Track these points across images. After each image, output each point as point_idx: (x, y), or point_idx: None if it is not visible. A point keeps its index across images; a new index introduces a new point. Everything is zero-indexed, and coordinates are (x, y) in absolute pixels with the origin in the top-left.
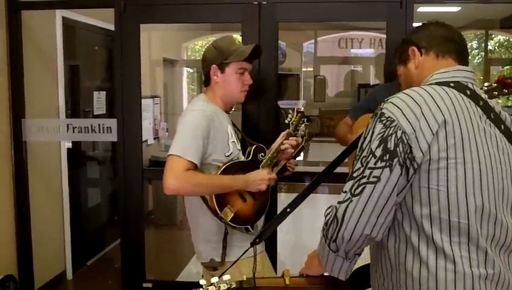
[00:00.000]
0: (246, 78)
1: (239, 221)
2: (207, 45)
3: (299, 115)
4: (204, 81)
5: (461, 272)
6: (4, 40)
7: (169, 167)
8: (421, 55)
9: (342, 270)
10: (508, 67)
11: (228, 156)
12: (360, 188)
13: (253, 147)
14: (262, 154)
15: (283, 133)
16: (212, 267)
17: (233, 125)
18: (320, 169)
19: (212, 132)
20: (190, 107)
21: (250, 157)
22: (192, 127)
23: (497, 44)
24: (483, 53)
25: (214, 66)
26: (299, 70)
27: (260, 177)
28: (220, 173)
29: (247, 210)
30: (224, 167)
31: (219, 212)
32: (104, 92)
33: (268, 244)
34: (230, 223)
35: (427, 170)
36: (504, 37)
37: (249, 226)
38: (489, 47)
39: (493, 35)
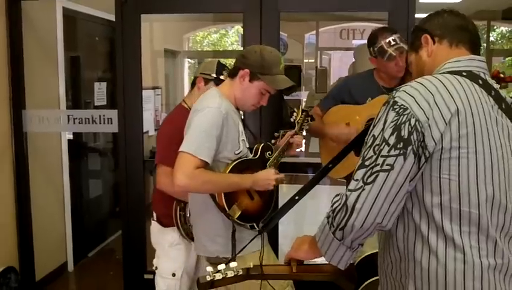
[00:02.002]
0: (264, 100)
1: (245, 219)
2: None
3: (303, 114)
4: (231, 73)
5: (470, 262)
6: (4, 31)
7: (180, 164)
8: (434, 43)
9: (343, 260)
10: (509, 58)
11: (238, 154)
12: (373, 176)
13: (261, 145)
14: (270, 152)
15: (289, 133)
16: (217, 265)
17: (243, 121)
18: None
19: (225, 129)
20: (206, 103)
21: (257, 156)
22: (207, 125)
23: (499, 35)
24: (485, 44)
25: (248, 70)
26: (300, 62)
27: (267, 177)
28: (229, 171)
29: (254, 208)
30: (232, 164)
31: (227, 209)
32: (105, 83)
33: (270, 235)
34: (237, 220)
35: (439, 159)
36: (506, 28)
37: (254, 224)
38: (491, 38)
39: (495, 27)
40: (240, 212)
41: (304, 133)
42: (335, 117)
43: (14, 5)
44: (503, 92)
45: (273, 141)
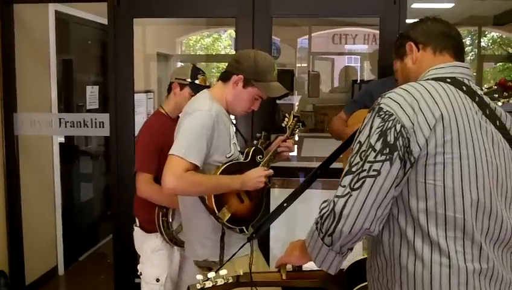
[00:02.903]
0: (256, 105)
1: (235, 222)
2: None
3: (295, 119)
4: (223, 76)
5: (456, 267)
6: None
7: (170, 167)
8: (418, 50)
9: (333, 265)
10: (500, 63)
11: (229, 157)
12: (360, 182)
13: (252, 148)
14: (260, 156)
15: (280, 138)
16: (206, 268)
17: (234, 125)
18: (314, 164)
19: (216, 132)
20: (195, 106)
21: (248, 159)
22: (197, 128)
23: (491, 41)
24: (476, 50)
25: (241, 76)
26: (293, 66)
27: (257, 175)
28: (219, 173)
29: (244, 211)
30: (223, 167)
31: (217, 212)
32: (97, 87)
33: (261, 240)
34: (226, 223)
35: (424, 164)
36: (497, 34)
37: (244, 227)
38: (483, 44)
39: (486, 32)
40: (229, 215)
41: (296, 138)
42: (356, 120)
43: (7, 8)
44: (487, 98)
45: (254, 142)
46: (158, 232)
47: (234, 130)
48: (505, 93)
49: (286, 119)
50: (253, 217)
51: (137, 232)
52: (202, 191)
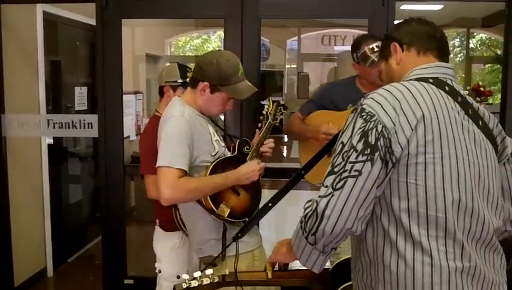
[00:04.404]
0: (229, 105)
1: (236, 215)
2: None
3: (275, 104)
4: (191, 83)
5: (438, 265)
6: None
7: (162, 179)
8: (403, 51)
9: (317, 264)
10: (489, 64)
11: (214, 155)
12: (342, 182)
13: (237, 141)
14: (247, 147)
15: (262, 125)
16: (211, 264)
17: (213, 122)
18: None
19: (195, 135)
20: (169, 114)
21: (235, 152)
22: (174, 133)
23: (479, 42)
24: (465, 51)
25: (206, 83)
26: (282, 67)
27: (251, 169)
28: (209, 173)
29: (243, 203)
30: (212, 166)
31: (215, 210)
32: (86, 88)
33: None
34: (228, 219)
35: (406, 164)
36: (485, 35)
37: (247, 219)
38: (471, 45)
39: (475, 34)
40: (229, 211)
41: (278, 123)
42: (316, 121)
43: None
44: (470, 98)
45: (266, 107)
46: (177, 231)
47: (214, 128)
48: (478, 98)
49: (266, 106)
50: (253, 207)
51: (157, 231)
52: (199, 196)
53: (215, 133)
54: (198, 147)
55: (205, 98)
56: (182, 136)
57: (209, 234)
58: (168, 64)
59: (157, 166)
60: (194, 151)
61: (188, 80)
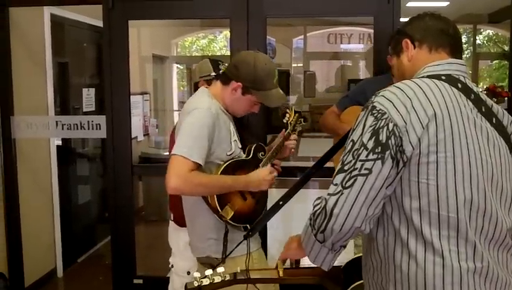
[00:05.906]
0: (256, 108)
1: (239, 220)
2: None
3: (296, 114)
4: (222, 79)
5: (449, 266)
6: None
7: (173, 167)
8: (414, 48)
9: (326, 261)
10: (496, 61)
11: (230, 154)
12: (352, 181)
13: (254, 145)
14: (262, 153)
15: (282, 133)
16: (208, 264)
17: (234, 122)
18: (311, 164)
19: (217, 130)
20: (195, 104)
21: (250, 156)
22: (198, 126)
23: (486, 38)
24: (471, 47)
25: (240, 84)
26: (289, 66)
27: (261, 178)
28: (221, 172)
29: (247, 209)
30: (224, 165)
31: (220, 210)
32: (93, 89)
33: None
34: (230, 221)
35: (417, 163)
36: (492, 32)
37: (248, 225)
38: (478, 41)
39: (482, 30)
40: (232, 213)
41: (296, 135)
42: (349, 116)
43: (2, 12)
44: (483, 95)
45: (287, 116)
46: None
47: (234, 127)
48: (494, 99)
49: (287, 115)
50: (257, 214)
51: (171, 226)
52: (205, 192)
53: (234, 133)
54: (217, 143)
55: (235, 97)
56: (205, 129)
57: (209, 233)
58: (200, 62)
59: (172, 153)
60: (212, 147)
61: (221, 71)
